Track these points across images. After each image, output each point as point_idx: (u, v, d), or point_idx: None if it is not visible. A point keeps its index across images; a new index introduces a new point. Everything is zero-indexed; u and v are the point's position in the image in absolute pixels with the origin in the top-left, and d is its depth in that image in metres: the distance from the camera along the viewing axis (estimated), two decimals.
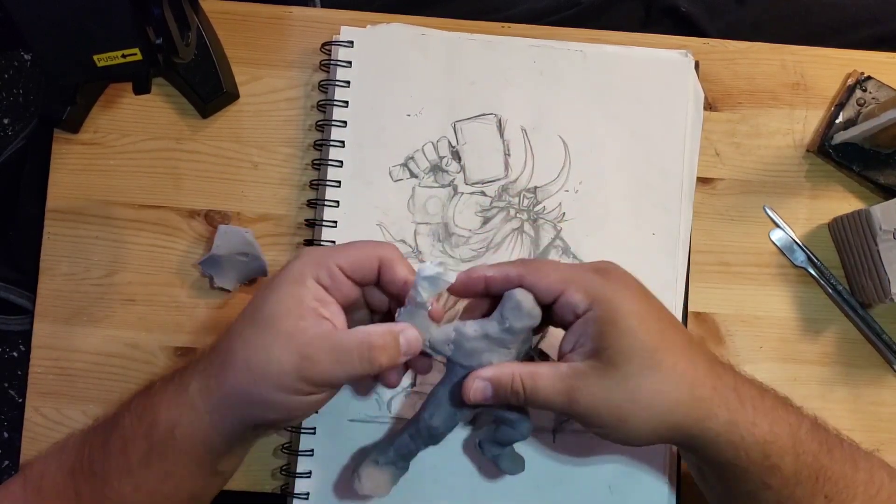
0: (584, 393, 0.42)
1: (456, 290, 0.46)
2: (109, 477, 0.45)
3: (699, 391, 0.43)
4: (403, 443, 0.47)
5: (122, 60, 0.44)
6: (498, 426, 0.48)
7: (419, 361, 0.47)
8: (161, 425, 0.43)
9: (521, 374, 0.43)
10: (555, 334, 0.53)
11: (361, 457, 0.49)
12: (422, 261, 0.57)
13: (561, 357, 0.45)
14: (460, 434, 0.55)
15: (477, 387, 0.44)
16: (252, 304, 0.44)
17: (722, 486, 0.47)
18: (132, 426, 0.44)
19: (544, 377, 0.43)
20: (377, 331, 0.43)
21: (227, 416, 0.43)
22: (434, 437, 0.46)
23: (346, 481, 0.54)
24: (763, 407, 0.44)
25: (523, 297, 0.44)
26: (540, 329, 0.48)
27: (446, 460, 0.55)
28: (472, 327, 0.45)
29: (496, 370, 0.44)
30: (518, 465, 0.49)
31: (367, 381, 0.53)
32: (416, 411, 0.47)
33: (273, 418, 0.44)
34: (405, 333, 0.44)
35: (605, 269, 0.45)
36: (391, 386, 0.47)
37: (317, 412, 0.53)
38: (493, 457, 0.48)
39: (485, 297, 0.47)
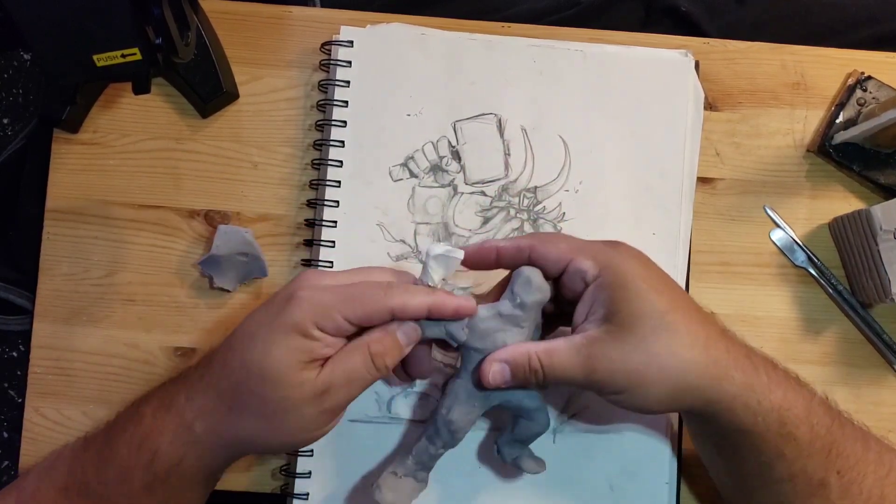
0: (601, 359, 0.42)
1: (468, 262, 0.46)
2: (109, 501, 0.45)
3: (713, 352, 0.43)
4: (421, 448, 0.46)
5: (121, 60, 0.44)
6: (516, 423, 0.47)
7: (421, 363, 0.48)
8: (164, 459, 0.44)
9: (537, 351, 0.43)
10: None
11: (379, 473, 0.49)
12: (421, 262, 0.57)
13: (574, 330, 0.45)
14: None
15: (495, 369, 0.44)
16: (251, 351, 0.43)
17: (736, 458, 0.46)
18: (129, 457, 0.44)
19: (561, 351, 0.43)
20: (373, 337, 0.43)
21: (237, 452, 0.45)
22: (452, 435, 0.46)
23: (343, 482, 0.55)
24: (776, 376, 0.45)
25: (532, 273, 0.45)
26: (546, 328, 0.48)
27: (444, 460, 0.55)
28: (484, 308, 0.45)
29: (511, 350, 0.44)
30: (540, 464, 0.49)
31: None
32: (431, 416, 0.47)
33: (289, 450, 0.47)
34: (402, 328, 0.44)
35: (613, 242, 0.46)
36: (424, 375, 0.48)
37: None
38: (513, 459, 0.48)
39: (496, 268, 0.47)
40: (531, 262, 0.46)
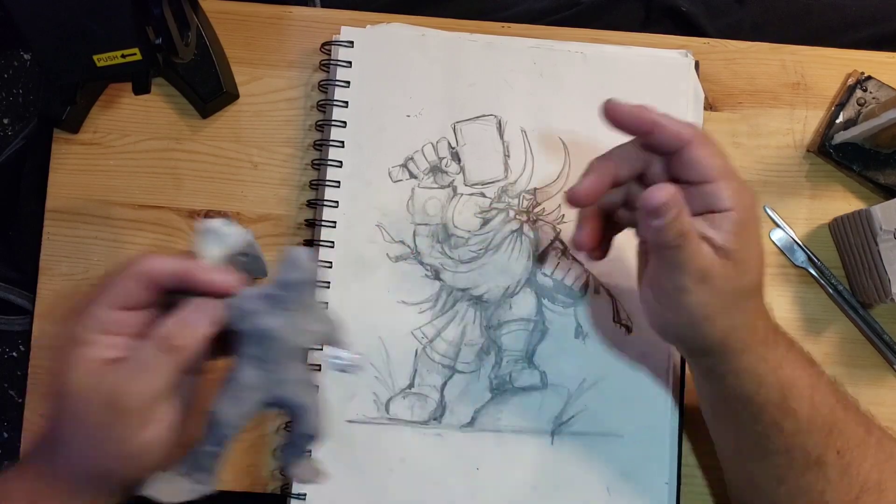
0: (719, 272, 0.42)
1: (622, 120, 0.45)
2: None
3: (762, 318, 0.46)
4: (196, 445, 0.42)
5: (121, 60, 0.44)
6: (290, 424, 0.43)
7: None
8: None
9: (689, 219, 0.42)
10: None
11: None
12: (421, 262, 0.57)
13: None
14: (456, 433, 0.55)
15: (665, 194, 0.40)
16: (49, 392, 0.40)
17: (733, 425, 0.48)
18: None
19: (698, 240, 0.42)
20: (160, 322, 0.39)
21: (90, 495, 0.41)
22: (211, 428, 0.41)
23: (341, 482, 0.55)
24: (790, 355, 0.46)
25: (295, 251, 0.41)
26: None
27: (442, 461, 0.55)
28: (250, 288, 0.41)
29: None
30: (311, 473, 0.44)
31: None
32: None
33: (141, 471, 0.40)
34: (190, 305, 0.40)
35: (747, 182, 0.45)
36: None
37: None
38: (285, 466, 0.44)
39: (645, 138, 0.45)
40: (678, 162, 0.44)
